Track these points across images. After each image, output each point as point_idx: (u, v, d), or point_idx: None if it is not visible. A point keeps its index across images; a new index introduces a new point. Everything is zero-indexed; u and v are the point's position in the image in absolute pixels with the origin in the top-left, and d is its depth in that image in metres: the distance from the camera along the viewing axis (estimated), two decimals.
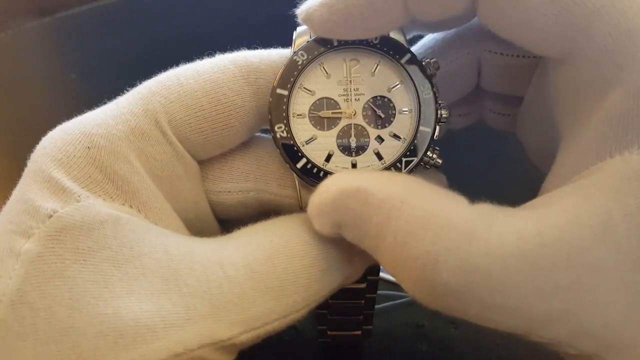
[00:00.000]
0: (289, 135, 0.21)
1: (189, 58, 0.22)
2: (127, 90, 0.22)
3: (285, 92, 0.21)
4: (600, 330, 0.16)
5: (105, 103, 0.21)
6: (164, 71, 0.22)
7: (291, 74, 0.21)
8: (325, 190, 0.19)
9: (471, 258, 0.16)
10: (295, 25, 0.22)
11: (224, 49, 0.23)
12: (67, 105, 0.49)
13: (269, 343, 0.31)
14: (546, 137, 0.21)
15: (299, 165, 0.21)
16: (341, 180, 0.19)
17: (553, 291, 0.16)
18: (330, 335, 0.28)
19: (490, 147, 0.40)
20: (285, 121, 0.21)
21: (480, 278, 0.16)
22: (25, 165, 0.20)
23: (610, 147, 0.17)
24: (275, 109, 0.21)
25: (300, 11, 0.20)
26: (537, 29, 0.18)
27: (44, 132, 0.20)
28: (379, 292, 0.32)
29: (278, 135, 0.21)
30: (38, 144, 0.20)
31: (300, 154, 0.21)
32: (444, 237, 0.17)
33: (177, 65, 0.22)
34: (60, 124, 0.21)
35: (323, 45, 0.22)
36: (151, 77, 0.22)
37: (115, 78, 0.48)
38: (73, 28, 0.57)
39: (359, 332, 0.28)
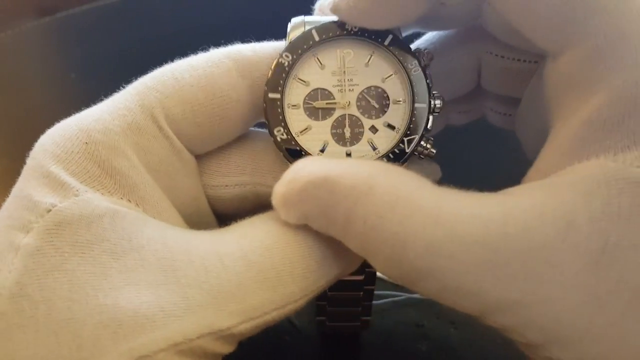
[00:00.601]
0: (289, 137, 0.21)
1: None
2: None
3: (278, 96, 0.21)
4: (549, 324, 0.17)
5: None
6: None
7: (280, 77, 0.22)
8: (292, 180, 0.19)
9: (436, 240, 0.17)
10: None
11: None
12: (67, 105, 0.49)
13: (269, 342, 0.31)
14: (541, 138, 0.22)
15: None
16: (307, 170, 0.19)
17: (510, 281, 0.17)
18: (329, 325, 0.28)
19: (487, 144, 0.40)
20: (283, 124, 0.21)
21: (443, 260, 0.17)
22: (25, 164, 0.20)
23: (588, 149, 0.18)
24: (271, 113, 0.22)
25: (329, 2, 0.21)
26: (538, 17, 0.19)
27: (43, 132, 0.20)
28: (379, 292, 0.33)
29: (279, 139, 0.22)
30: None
31: (303, 153, 0.21)
32: (411, 219, 0.17)
33: None
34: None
35: (305, 43, 0.22)
36: None
37: (115, 78, 0.48)
38: (73, 28, 0.57)
39: (357, 324, 0.28)
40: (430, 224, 0.17)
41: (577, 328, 0.17)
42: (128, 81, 0.22)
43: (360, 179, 0.18)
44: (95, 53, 0.53)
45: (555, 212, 0.17)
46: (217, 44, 0.23)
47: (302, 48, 0.22)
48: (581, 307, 0.17)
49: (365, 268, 0.24)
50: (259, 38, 0.24)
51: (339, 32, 0.22)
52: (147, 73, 0.22)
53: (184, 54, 0.23)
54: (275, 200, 0.20)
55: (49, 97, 0.51)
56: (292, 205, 0.19)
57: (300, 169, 0.19)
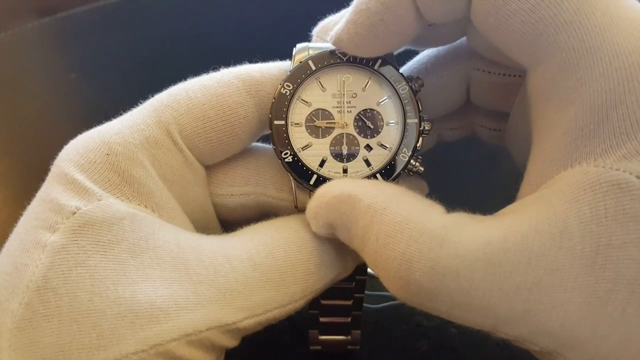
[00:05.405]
0: (296, 159, 0.24)
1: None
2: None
3: (282, 122, 0.24)
4: (558, 329, 0.18)
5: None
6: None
7: (283, 105, 0.24)
8: (321, 195, 0.22)
9: (441, 260, 0.18)
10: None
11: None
12: (67, 105, 0.49)
13: (270, 341, 0.31)
14: (529, 151, 0.23)
15: (312, 182, 0.24)
16: (335, 187, 0.22)
17: (515, 292, 0.18)
18: (321, 340, 0.30)
19: (484, 152, 0.40)
20: (289, 147, 0.24)
21: (449, 279, 0.18)
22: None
23: (570, 157, 0.19)
24: (278, 138, 0.24)
25: (330, 36, 0.23)
26: (513, 33, 0.20)
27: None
28: (380, 292, 0.33)
29: (287, 161, 0.24)
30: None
31: (310, 172, 0.24)
32: (418, 241, 0.19)
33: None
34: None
35: (303, 72, 0.24)
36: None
37: (115, 78, 0.48)
38: (73, 28, 0.57)
39: (348, 337, 0.30)
40: (435, 246, 0.18)
41: (585, 329, 0.18)
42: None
43: (379, 199, 0.20)
44: (96, 53, 0.54)
45: (549, 222, 0.18)
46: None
47: (300, 77, 0.24)
48: (585, 308, 0.18)
49: (355, 276, 0.26)
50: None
51: (332, 60, 0.24)
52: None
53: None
54: (307, 213, 0.22)
55: (49, 97, 0.51)
56: (320, 217, 0.22)
57: (330, 186, 0.22)
